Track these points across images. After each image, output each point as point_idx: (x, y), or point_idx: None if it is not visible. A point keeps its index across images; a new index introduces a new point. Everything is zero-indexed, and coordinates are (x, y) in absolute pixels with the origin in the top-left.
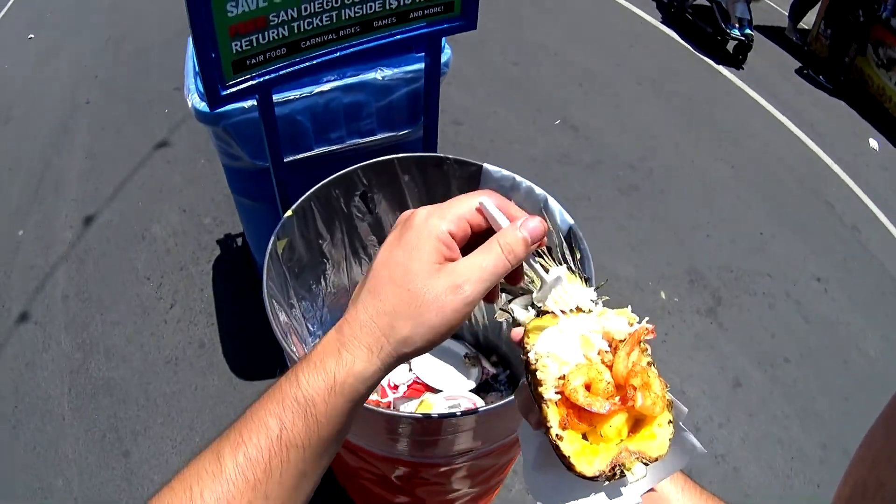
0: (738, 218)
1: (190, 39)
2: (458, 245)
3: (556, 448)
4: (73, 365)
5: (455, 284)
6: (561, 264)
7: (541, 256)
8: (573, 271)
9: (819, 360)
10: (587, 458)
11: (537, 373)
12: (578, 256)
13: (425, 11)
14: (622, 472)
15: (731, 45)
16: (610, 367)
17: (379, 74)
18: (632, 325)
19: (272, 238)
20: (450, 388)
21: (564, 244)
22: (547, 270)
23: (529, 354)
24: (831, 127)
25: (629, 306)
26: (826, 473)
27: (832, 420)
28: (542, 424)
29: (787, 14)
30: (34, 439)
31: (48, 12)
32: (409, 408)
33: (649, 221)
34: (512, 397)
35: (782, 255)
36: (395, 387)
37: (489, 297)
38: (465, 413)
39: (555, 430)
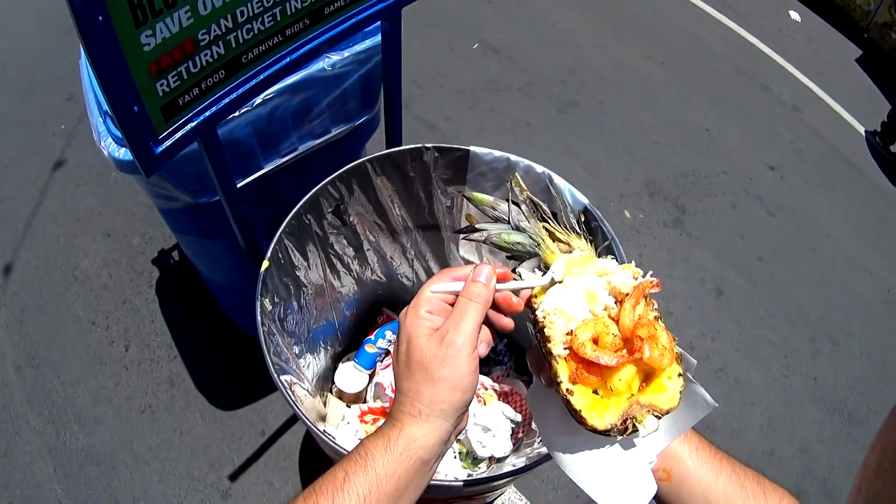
0: (682, 117)
1: (83, 54)
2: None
3: (567, 403)
4: (49, 442)
5: (444, 338)
6: (568, 229)
7: (546, 221)
8: (580, 234)
9: (789, 252)
10: (598, 412)
11: (545, 329)
12: (605, 243)
13: None
14: (634, 425)
15: None
16: (616, 321)
17: (326, 64)
18: (636, 279)
19: (257, 301)
20: None
21: (573, 219)
22: (554, 238)
23: (537, 312)
24: (749, 4)
25: (633, 261)
26: (819, 366)
27: (813, 310)
28: (553, 382)
29: None
30: None
31: None
32: None
33: (596, 137)
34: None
35: (732, 149)
36: None
37: (508, 311)
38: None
39: (565, 384)
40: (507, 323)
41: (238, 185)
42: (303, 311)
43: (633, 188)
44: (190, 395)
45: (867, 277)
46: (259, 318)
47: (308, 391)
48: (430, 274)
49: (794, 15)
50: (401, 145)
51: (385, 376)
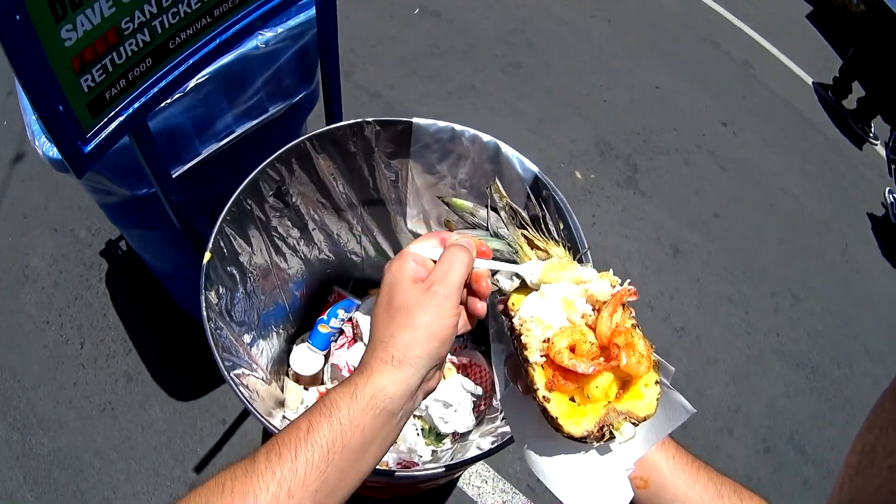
0: (630, 75)
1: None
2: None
3: (544, 410)
4: (16, 450)
5: (430, 287)
6: (546, 237)
7: (525, 228)
8: (558, 242)
9: (746, 207)
10: (574, 419)
11: (522, 337)
12: (559, 222)
13: None
14: (611, 432)
15: None
16: (594, 329)
17: (260, 41)
18: (614, 286)
19: (201, 296)
20: None
21: (552, 226)
22: (532, 245)
23: (514, 320)
24: None
25: (611, 269)
26: (781, 320)
27: (773, 265)
28: (529, 389)
29: None
30: None
31: None
32: None
33: (543, 98)
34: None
35: (683, 106)
36: None
37: (478, 294)
38: (468, 461)
39: (542, 391)
40: (480, 308)
41: (175, 175)
42: (251, 297)
43: (583, 148)
44: (148, 388)
45: (824, 231)
46: (205, 313)
47: (263, 379)
48: (378, 249)
49: None
50: (342, 119)
51: (340, 356)
